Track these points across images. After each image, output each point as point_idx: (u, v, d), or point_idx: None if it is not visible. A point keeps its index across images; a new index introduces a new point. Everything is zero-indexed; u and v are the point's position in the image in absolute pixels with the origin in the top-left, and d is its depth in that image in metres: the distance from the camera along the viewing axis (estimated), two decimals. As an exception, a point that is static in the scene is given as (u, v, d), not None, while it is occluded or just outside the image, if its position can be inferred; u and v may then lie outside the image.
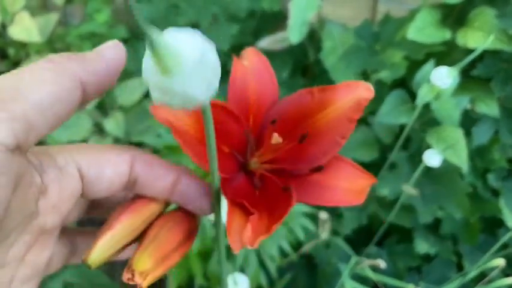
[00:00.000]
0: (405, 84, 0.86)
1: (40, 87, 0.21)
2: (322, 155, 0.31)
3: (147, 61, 0.17)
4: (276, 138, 0.31)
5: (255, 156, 0.31)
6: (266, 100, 0.32)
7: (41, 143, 0.24)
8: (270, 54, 0.99)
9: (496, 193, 0.90)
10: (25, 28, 0.91)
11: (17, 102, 0.20)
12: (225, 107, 0.30)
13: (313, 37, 1.02)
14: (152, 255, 0.27)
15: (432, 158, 0.51)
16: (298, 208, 0.61)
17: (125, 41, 1.03)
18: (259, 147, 0.32)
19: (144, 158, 0.27)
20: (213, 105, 0.29)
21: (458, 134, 0.78)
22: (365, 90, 0.30)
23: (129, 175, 0.26)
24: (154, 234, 0.27)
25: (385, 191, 0.84)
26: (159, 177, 0.27)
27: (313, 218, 0.64)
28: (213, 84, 0.18)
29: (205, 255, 0.62)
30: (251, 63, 0.33)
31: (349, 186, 0.31)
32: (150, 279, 0.28)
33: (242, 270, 0.61)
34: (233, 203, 0.27)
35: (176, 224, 0.28)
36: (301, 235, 0.58)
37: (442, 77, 0.47)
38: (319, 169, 0.30)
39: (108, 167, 0.25)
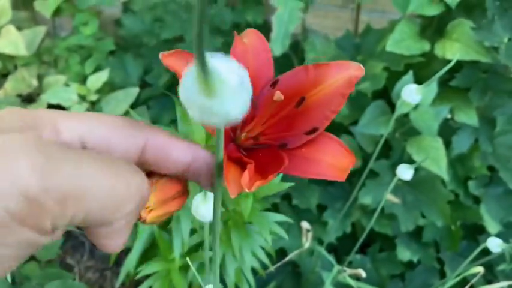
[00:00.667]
0: (387, 94, 0.88)
1: (104, 191, 0.21)
2: (313, 128, 0.33)
3: (189, 82, 0.18)
4: (278, 95, 0.32)
5: (244, 131, 0.34)
6: (262, 77, 0.34)
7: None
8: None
9: (477, 200, 0.91)
10: (12, 41, 0.92)
11: (79, 204, 0.21)
12: None
13: (298, 47, 1.04)
14: (155, 196, 0.31)
15: (405, 173, 0.53)
16: (271, 217, 0.62)
17: (111, 53, 1.04)
18: (250, 121, 0.34)
19: (157, 142, 0.26)
20: None
21: (438, 144, 0.80)
22: (356, 69, 0.32)
23: (139, 159, 0.26)
24: (154, 183, 0.31)
25: (367, 200, 0.86)
26: (171, 163, 0.27)
27: (284, 226, 0.65)
28: (247, 103, 0.19)
29: (187, 269, 0.63)
30: (251, 41, 0.35)
31: (333, 161, 0.33)
32: (153, 215, 0.32)
33: (222, 280, 0.62)
34: (229, 159, 0.30)
35: (170, 180, 0.32)
36: (270, 243, 0.60)
37: (412, 94, 0.48)
38: (314, 131, 0.32)
39: (116, 152, 0.25)
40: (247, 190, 0.28)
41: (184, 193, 0.34)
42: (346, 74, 0.33)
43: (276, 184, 0.61)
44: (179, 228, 0.62)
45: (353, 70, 0.32)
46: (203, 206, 0.41)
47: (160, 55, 0.32)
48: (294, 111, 0.33)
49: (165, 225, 0.69)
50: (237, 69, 0.19)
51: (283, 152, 0.32)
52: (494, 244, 0.57)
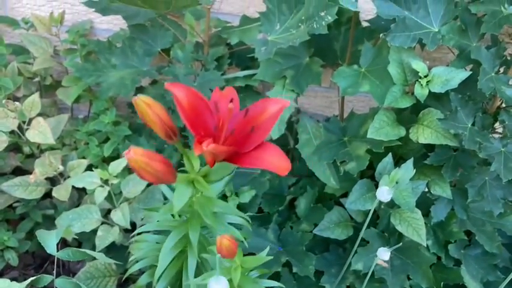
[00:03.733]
0: (372, 168, 1.00)
1: None
2: (259, 139, 0.56)
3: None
4: (230, 105, 0.56)
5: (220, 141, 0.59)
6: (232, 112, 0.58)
7: None
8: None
9: (458, 262, 1.02)
10: (41, 132, 1.05)
11: None
12: (206, 103, 0.58)
13: (292, 127, 1.18)
14: (144, 150, 0.52)
15: (383, 254, 0.64)
16: (263, 283, 0.73)
17: (127, 137, 1.17)
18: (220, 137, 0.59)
19: None
20: (200, 100, 0.57)
21: (417, 215, 0.92)
22: (285, 102, 0.58)
23: None
24: None
25: (359, 265, 0.96)
26: None
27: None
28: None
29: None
30: (226, 91, 0.62)
31: (273, 160, 0.56)
32: (138, 158, 0.52)
33: None
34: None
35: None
36: None
37: (384, 194, 0.60)
38: (252, 130, 0.57)
39: None
40: (204, 148, 0.51)
41: (168, 165, 0.55)
42: (279, 105, 0.57)
43: (259, 258, 0.72)
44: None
45: (284, 102, 0.57)
46: (216, 287, 0.55)
47: (165, 84, 0.56)
48: (249, 133, 0.57)
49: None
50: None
51: (241, 155, 0.56)
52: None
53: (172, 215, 0.81)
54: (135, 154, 0.52)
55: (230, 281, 0.71)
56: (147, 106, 0.54)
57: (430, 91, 0.88)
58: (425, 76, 0.88)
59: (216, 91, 0.62)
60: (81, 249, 0.81)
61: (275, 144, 0.57)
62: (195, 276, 0.73)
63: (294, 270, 0.99)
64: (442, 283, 1.00)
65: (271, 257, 0.73)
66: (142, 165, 0.53)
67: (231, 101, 0.58)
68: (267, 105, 0.58)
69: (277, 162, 0.55)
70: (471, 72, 0.87)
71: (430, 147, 0.99)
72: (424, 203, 0.98)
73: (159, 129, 0.56)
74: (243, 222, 0.77)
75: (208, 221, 0.65)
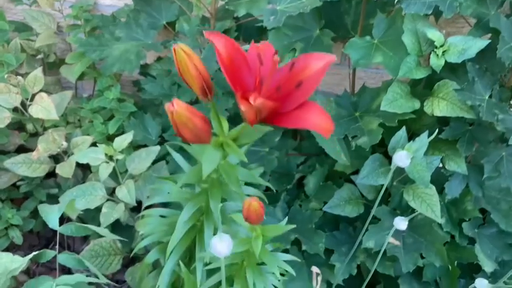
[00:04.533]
0: (383, 145, 0.97)
1: None
2: (303, 96, 0.51)
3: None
4: (276, 58, 0.51)
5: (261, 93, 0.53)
6: (268, 67, 0.53)
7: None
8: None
9: (472, 241, 0.99)
10: (44, 107, 1.02)
11: None
12: (245, 56, 0.53)
13: (301, 104, 1.14)
14: (187, 104, 0.48)
15: (400, 224, 0.61)
16: (280, 256, 0.71)
17: (131, 113, 1.14)
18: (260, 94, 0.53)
19: None
20: (239, 52, 0.53)
21: (431, 191, 0.89)
22: (331, 57, 0.52)
23: None
24: None
25: (370, 243, 0.93)
26: None
27: (294, 269, 0.74)
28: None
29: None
30: (262, 46, 0.56)
31: (316, 120, 0.51)
32: (181, 111, 0.48)
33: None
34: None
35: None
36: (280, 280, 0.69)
37: (402, 159, 0.57)
38: (300, 85, 0.52)
39: None
40: (252, 102, 0.47)
41: (208, 123, 0.53)
42: (324, 60, 0.52)
43: (281, 226, 0.69)
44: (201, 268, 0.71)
45: (328, 57, 0.52)
46: (219, 244, 0.52)
47: (205, 33, 0.52)
48: (293, 90, 0.52)
49: (189, 266, 0.78)
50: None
51: (282, 116, 0.52)
52: (482, 285, 0.64)
53: (181, 187, 0.79)
54: (178, 107, 0.49)
55: (248, 252, 0.69)
56: (187, 56, 0.50)
57: (446, 62, 0.85)
58: (441, 46, 0.84)
59: (253, 45, 0.57)
60: (84, 225, 0.79)
61: (318, 104, 0.53)
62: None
63: (304, 248, 0.97)
64: (455, 262, 0.97)
65: (293, 226, 0.70)
66: (184, 119, 0.49)
67: (276, 53, 0.54)
68: (309, 61, 0.53)
69: (321, 122, 0.50)
70: (489, 41, 0.84)
71: (443, 123, 0.95)
72: (438, 180, 0.95)
73: (196, 84, 0.52)
74: (259, 194, 0.74)
75: (235, 188, 0.63)
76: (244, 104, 0.49)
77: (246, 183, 0.99)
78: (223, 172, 0.63)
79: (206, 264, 0.72)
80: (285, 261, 0.73)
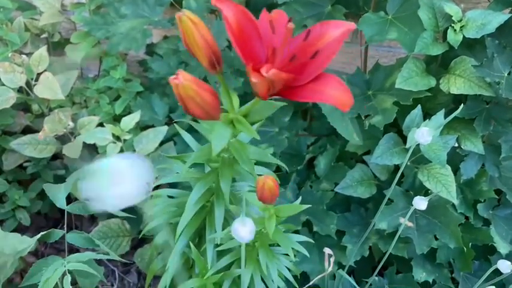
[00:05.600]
0: (397, 124, 0.94)
1: None
2: (320, 67, 0.47)
3: (95, 185, 0.25)
4: (290, 25, 0.47)
5: (275, 64, 0.49)
6: (281, 36, 0.49)
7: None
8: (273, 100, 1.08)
9: (487, 222, 0.97)
10: (49, 87, 1.00)
11: None
12: (256, 25, 0.48)
13: (311, 83, 1.11)
14: (193, 77, 0.45)
15: (420, 203, 0.59)
16: (293, 237, 0.69)
17: (138, 93, 1.12)
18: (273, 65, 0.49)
19: None
20: (249, 20, 0.48)
21: (447, 171, 0.86)
22: (349, 24, 0.48)
23: None
24: None
25: (383, 225, 0.92)
26: None
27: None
28: (145, 187, 0.26)
29: (220, 285, 0.71)
30: (275, 14, 0.51)
31: (333, 93, 0.47)
32: (188, 84, 0.44)
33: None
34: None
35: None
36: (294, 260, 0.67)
37: (424, 136, 0.55)
38: (316, 54, 0.48)
39: None
40: (264, 74, 0.43)
41: (217, 97, 0.49)
42: (342, 28, 0.48)
43: (295, 206, 0.67)
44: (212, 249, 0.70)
45: (347, 25, 0.48)
46: (242, 229, 0.50)
47: (212, 0, 0.47)
48: (309, 60, 0.47)
49: (198, 248, 0.76)
50: (127, 161, 0.25)
51: (297, 88, 0.47)
52: (505, 266, 0.63)
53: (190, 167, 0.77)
54: (184, 79, 0.44)
55: (261, 233, 0.67)
56: (194, 25, 0.46)
57: (463, 38, 0.81)
58: (459, 21, 0.81)
59: (265, 13, 0.52)
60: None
61: (336, 76, 0.49)
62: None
63: (315, 229, 0.95)
64: (470, 244, 0.95)
65: (308, 205, 0.68)
66: (191, 93, 0.45)
67: (290, 20, 0.48)
68: (327, 29, 0.49)
69: (339, 95, 0.46)
70: (510, 15, 0.80)
71: (459, 101, 0.92)
72: (453, 160, 0.92)
73: (204, 54, 0.48)
74: (270, 173, 0.72)
75: (246, 167, 0.59)
76: (255, 76, 0.45)
77: (257, 163, 0.97)
78: (234, 151, 0.60)
79: (217, 246, 0.70)
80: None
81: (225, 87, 0.55)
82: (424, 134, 0.55)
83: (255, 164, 0.71)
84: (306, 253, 0.68)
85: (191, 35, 0.46)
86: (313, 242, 0.70)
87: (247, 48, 0.48)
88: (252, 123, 0.59)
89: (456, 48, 0.81)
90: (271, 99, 0.52)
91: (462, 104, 0.89)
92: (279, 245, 0.72)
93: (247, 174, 0.66)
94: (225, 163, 0.64)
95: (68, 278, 0.63)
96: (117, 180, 0.22)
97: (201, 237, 0.78)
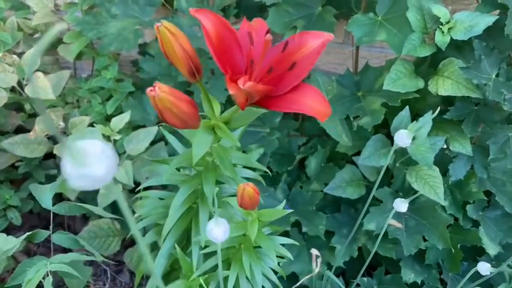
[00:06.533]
0: (386, 125, 0.94)
1: None
2: (298, 78, 0.49)
3: (66, 163, 0.25)
4: (268, 36, 0.48)
5: (252, 76, 0.51)
6: (260, 46, 0.50)
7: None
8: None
9: (476, 223, 0.97)
10: (41, 87, 1.01)
11: None
12: (235, 35, 0.49)
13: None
14: (170, 88, 0.45)
15: (400, 206, 0.59)
16: (278, 240, 0.69)
17: (130, 93, 1.12)
18: (252, 75, 0.50)
19: None
20: (228, 30, 0.49)
21: (435, 173, 0.86)
22: (328, 35, 0.50)
23: None
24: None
25: (372, 226, 0.92)
26: None
27: (294, 251, 0.72)
28: (113, 169, 0.26)
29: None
30: (255, 23, 0.53)
31: (312, 104, 0.48)
32: (164, 96, 0.45)
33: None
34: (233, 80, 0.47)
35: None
36: (276, 263, 0.67)
37: (403, 138, 0.55)
38: (293, 66, 0.49)
39: None
40: (241, 86, 0.44)
41: (195, 107, 0.49)
42: (321, 38, 0.49)
43: (277, 210, 0.67)
44: (197, 251, 0.70)
45: (326, 36, 0.49)
46: (216, 229, 0.50)
47: (190, 10, 0.48)
48: (287, 71, 0.48)
49: (186, 249, 0.77)
50: (99, 143, 0.26)
51: (274, 98, 0.48)
52: (485, 268, 0.63)
53: (178, 169, 0.77)
54: (160, 91, 0.45)
55: (245, 236, 0.67)
56: (172, 35, 0.46)
57: (451, 39, 0.82)
58: (447, 22, 0.81)
59: (245, 23, 0.53)
60: (77, 203, 0.77)
61: (314, 86, 0.50)
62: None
63: (304, 230, 0.95)
64: (458, 245, 0.95)
65: (290, 210, 0.69)
66: (168, 104, 0.46)
67: (268, 31, 0.49)
68: (307, 39, 0.50)
69: (317, 106, 0.47)
70: (497, 17, 0.80)
71: (448, 103, 0.93)
72: (442, 161, 0.92)
73: (183, 64, 0.49)
74: (256, 177, 0.72)
75: (228, 173, 0.60)
76: (232, 87, 0.45)
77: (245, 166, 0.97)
78: (216, 156, 0.61)
79: (203, 248, 0.71)
80: (284, 244, 0.72)
81: (205, 95, 0.55)
82: (403, 136, 0.55)
83: (243, 166, 0.71)
84: (290, 256, 0.68)
85: (169, 45, 0.47)
86: (297, 244, 0.70)
87: (227, 58, 0.49)
88: (234, 129, 0.59)
89: (444, 50, 0.82)
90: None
91: (451, 106, 0.90)
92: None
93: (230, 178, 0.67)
94: (208, 167, 0.65)
95: (50, 280, 0.64)
96: (86, 161, 0.24)
97: (188, 239, 0.79)
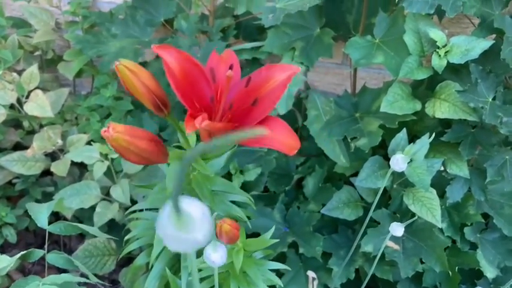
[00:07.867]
0: (384, 146, 0.95)
1: None
2: (263, 113, 0.48)
3: (165, 220, 0.24)
4: (229, 73, 0.48)
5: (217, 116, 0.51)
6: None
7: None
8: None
9: (474, 246, 0.96)
10: (39, 105, 1.01)
11: None
12: (202, 70, 0.50)
13: (301, 104, 1.12)
14: (126, 127, 0.44)
15: (396, 230, 0.59)
16: (267, 265, 0.69)
17: (129, 112, 1.13)
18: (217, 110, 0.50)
19: None
20: (194, 66, 0.49)
21: (432, 195, 0.86)
22: (295, 68, 0.49)
23: None
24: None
25: (369, 247, 0.91)
26: None
27: (290, 273, 0.71)
28: (210, 233, 0.25)
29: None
30: (225, 55, 0.54)
31: (281, 138, 0.47)
32: (118, 136, 0.44)
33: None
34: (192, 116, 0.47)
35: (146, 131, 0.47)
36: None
37: (398, 163, 0.55)
38: (255, 102, 0.49)
39: None
40: (197, 125, 0.43)
41: (157, 143, 0.48)
42: (288, 71, 0.48)
43: (263, 240, 0.67)
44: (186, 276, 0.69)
45: (293, 69, 0.49)
46: (214, 254, 0.50)
47: (152, 46, 0.48)
48: (251, 107, 0.48)
49: (177, 272, 0.76)
50: (200, 205, 0.25)
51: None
52: (482, 293, 0.62)
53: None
54: (114, 131, 0.44)
55: (232, 264, 0.67)
56: (131, 73, 0.47)
57: (448, 62, 0.82)
58: (444, 46, 0.82)
59: (214, 56, 0.53)
60: (73, 223, 0.77)
61: (282, 120, 0.49)
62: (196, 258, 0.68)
63: (301, 251, 0.95)
64: (456, 268, 0.94)
65: (276, 240, 0.68)
66: (123, 144, 0.45)
67: (231, 67, 0.49)
68: (273, 73, 0.49)
69: (285, 140, 0.47)
70: (494, 41, 0.81)
71: (446, 125, 0.93)
72: (439, 183, 0.92)
73: (147, 100, 0.49)
74: (247, 201, 0.72)
75: (206, 201, 0.59)
76: (189, 125, 0.45)
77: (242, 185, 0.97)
78: (195, 185, 0.60)
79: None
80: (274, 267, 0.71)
81: (177, 127, 0.55)
82: (398, 161, 0.55)
83: (230, 192, 0.71)
84: (280, 283, 0.67)
85: (130, 82, 0.47)
86: (289, 269, 0.70)
87: (192, 93, 0.48)
88: (211, 159, 0.59)
89: (441, 73, 0.82)
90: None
91: (449, 128, 0.90)
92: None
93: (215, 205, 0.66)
94: (191, 193, 0.64)
95: (41, 300, 0.63)
96: (191, 227, 0.22)
97: (179, 262, 0.78)
